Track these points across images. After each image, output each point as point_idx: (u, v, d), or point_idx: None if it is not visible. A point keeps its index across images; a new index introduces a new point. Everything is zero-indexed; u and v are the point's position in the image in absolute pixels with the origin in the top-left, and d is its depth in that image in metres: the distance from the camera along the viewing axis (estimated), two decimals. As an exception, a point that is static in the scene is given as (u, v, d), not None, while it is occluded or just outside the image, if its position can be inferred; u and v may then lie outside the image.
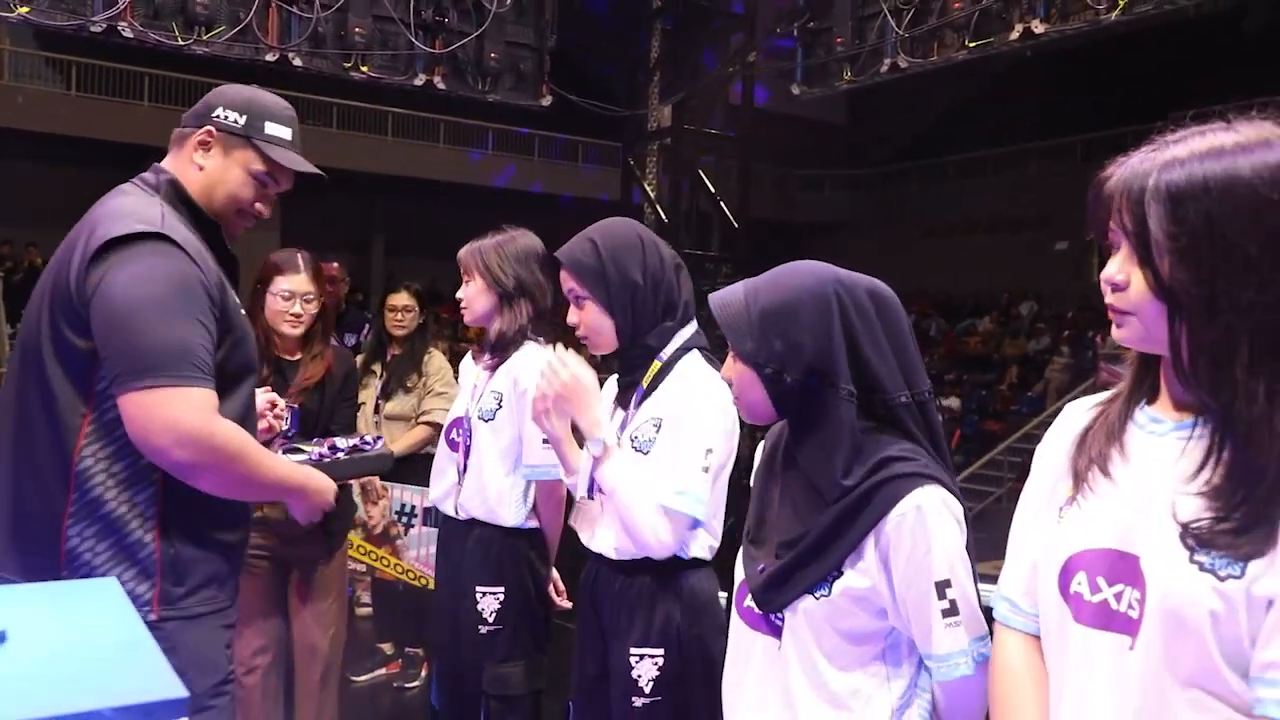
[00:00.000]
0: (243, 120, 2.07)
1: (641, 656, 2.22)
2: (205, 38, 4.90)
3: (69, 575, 1.82)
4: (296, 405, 3.11)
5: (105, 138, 15.01)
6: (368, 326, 5.78)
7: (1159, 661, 1.20)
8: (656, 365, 2.26)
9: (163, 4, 4.81)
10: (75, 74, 16.19)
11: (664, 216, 7.01)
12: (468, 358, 3.07)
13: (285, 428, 2.78)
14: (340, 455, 2.58)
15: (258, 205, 2.12)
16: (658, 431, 2.19)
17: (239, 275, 2.15)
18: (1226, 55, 15.95)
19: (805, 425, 1.65)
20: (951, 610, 1.54)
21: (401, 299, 4.64)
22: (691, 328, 2.31)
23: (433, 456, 4.50)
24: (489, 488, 2.79)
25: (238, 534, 2.06)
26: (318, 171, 2.17)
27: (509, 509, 2.79)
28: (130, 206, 1.94)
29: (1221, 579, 1.16)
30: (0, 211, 14.95)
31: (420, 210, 19.52)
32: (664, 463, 2.15)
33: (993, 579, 1.51)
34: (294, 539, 3.08)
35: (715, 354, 2.24)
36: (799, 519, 1.64)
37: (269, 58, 5.09)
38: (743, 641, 1.74)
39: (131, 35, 4.76)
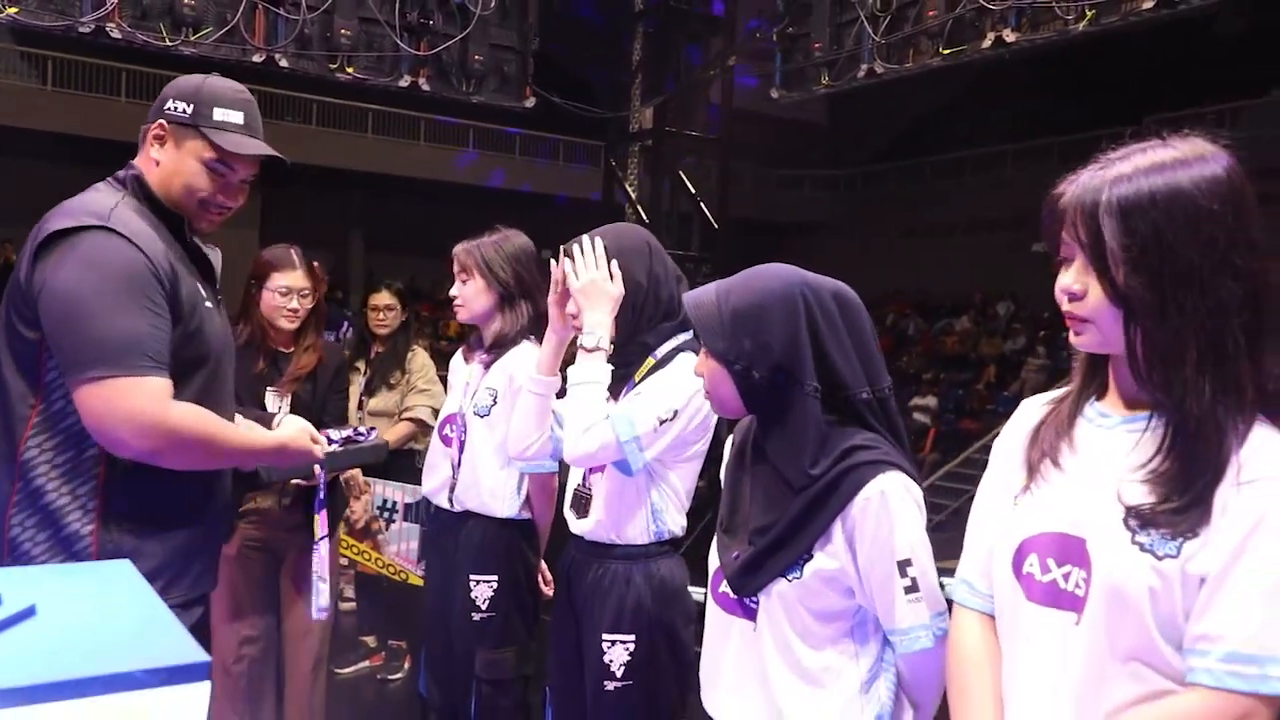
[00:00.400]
0: (190, 109, 2.04)
1: (614, 642, 2.31)
2: (193, 39, 4.94)
3: (11, 563, 1.84)
4: (289, 394, 3.20)
5: (83, 133, 14.91)
6: (346, 324, 5.82)
7: (1101, 636, 1.30)
8: (650, 362, 2.34)
9: (151, 5, 4.85)
10: (52, 69, 16.06)
11: (645, 216, 7.08)
12: (458, 356, 3.13)
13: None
14: (335, 446, 2.65)
15: (220, 196, 2.08)
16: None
17: (213, 270, 2.15)
18: (1200, 59, 16.14)
19: (773, 420, 1.74)
20: (913, 587, 1.64)
21: (384, 298, 4.71)
22: (689, 333, 2.38)
23: (415, 453, 4.63)
24: (484, 481, 2.87)
25: (190, 528, 2.03)
26: (274, 154, 2.12)
27: (503, 501, 2.88)
28: (85, 201, 1.95)
29: (1160, 558, 1.26)
30: (-25, 208, 14.87)
31: (399, 208, 19.46)
32: (632, 400, 2.25)
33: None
34: (287, 529, 3.14)
35: None
36: (770, 508, 1.73)
37: (256, 59, 5.14)
38: (719, 626, 1.83)
39: (120, 36, 4.80)
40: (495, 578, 2.85)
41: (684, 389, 2.21)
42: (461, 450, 2.93)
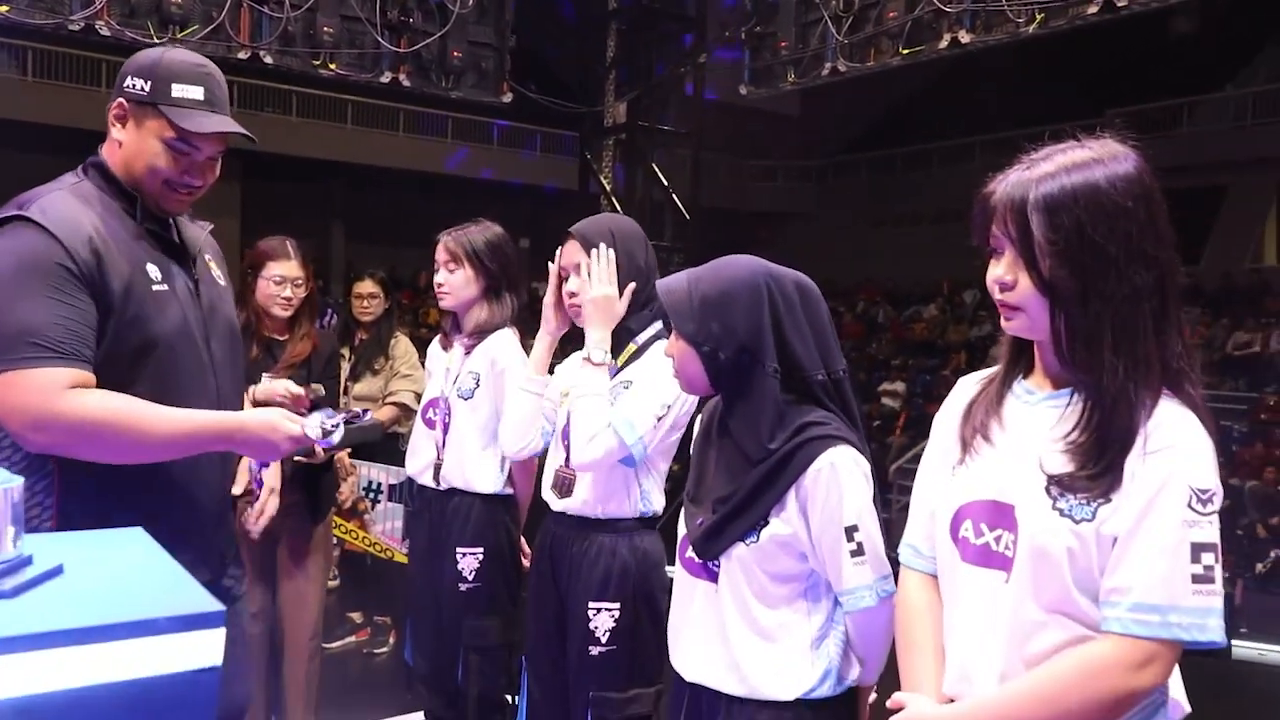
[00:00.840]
0: (148, 86, 1.91)
1: (599, 610, 2.44)
2: (179, 36, 5.06)
3: None
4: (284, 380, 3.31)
5: (63, 124, 14.84)
6: (330, 312, 5.92)
7: (1027, 591, 1.44)
8: (632, 348, 2.48)
9: (138, 3, 4.98)
10: (32, 60, 15.89)
11: (619, 207, 7.21)
12: (435, 344, 3.24)
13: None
14: (336, 422, 2.66)
15: (185, 176, 1.96)
16: (628, 390, 2.42)
17: (185, 253, 2.03)
18: (1157, 56, 16.45)
19: (736, 397, 1.89)
20: (858, 551, 1.79)
21: (367, 286, 4.82)
22: (660, 323, 2.52)
23: (399, 436, 4.76)
24: (469, 460, 3.00)
25: (155, 526, 1.90)
26: (239, 130, 2.00)
27: (488, 478, 3.01)
28: (30, 193, 1.88)
29: (1077, 522, 1.40)
30: (-44, 197, 14.77)
31: (380, 198, 19.39)
32: (627, 401, 2.38)
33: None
34: (282, 510, 3.18)
35: None
36: (731, 479, 1.88)
37: (241, 55, 5.27)
38: (684, 588, 1.99)
39: (109, 33, 4.92)
40: (481, 549, 2.99)
41: (672, 384, 2.30)
42: (446, 432, 3.04)
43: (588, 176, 7.60)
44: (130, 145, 1.94)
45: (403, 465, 3.36)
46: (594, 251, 2.45)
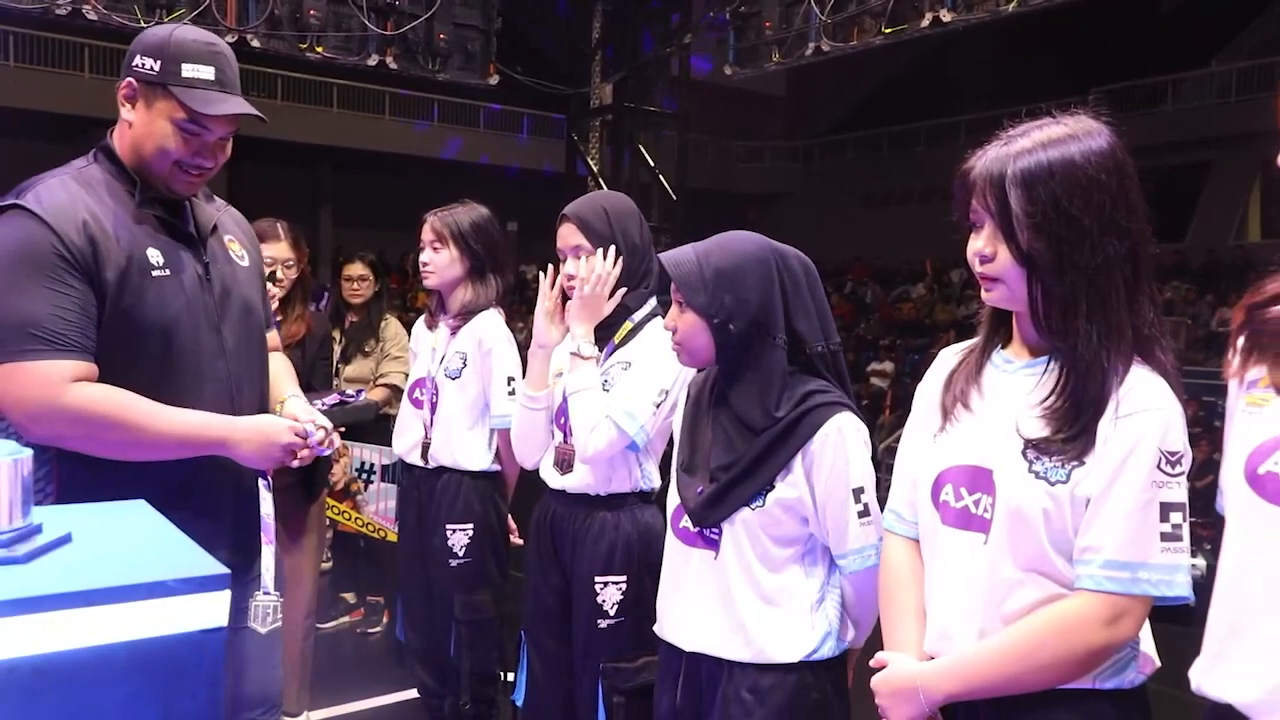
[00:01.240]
0: (158, 66, 1.87)
1: (606, 583, 2.48)
2: (166, 20, 5.05)
3: None
4: None
5: (46, 109, 14.81)
6: (326, 295, 5.94)
7: (1004, 552, 1.50)
8: (628, 325, 2.52)
9: (125, -13, 5.00)
10: (13, 44, 15.82)
11: (605, 188, 7.23)
12: (419, 324, 3.27)
13: None
14: (329, 403, 2.68)
15: (196, 158, 1.92)
16: (625, 371, 2.46)
17: (195, 237, 1.99)
18: (1142, 33, 16.49)
19: (740, 368, 1.94)
20: (865, 512, 1.86)
21: (357, 269, 4.85)
22: (654, 299, 2.56)
23: (389, 417, 4.78)
24: (457, 439, 3.04)
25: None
26: (252, 111, 1.96)
27: (476, 455, 3.05)
28: (28, 182, 1.86)
29: (1052, 484, 1.46)
30: (-63, 183, 14.71)
31: (367, 181, 19.37)
32: (625, 389, 2.42)
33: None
34: (279, 488, 3.21)
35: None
36: (730, 448, 1.93)
37: (228, 39, 5.27)
38: (678, 559, 2.03)
39: (96, 18, 4.92)
40: (470, 526, 3.03)
41: (667, 367, 2.36)
42: (434, 411, 3.08)
43: (574, 158, 7.61)
44: (140, 126, 1.90)
45: (395, 446, 3.38)
46: (603, 251, 2.49)
